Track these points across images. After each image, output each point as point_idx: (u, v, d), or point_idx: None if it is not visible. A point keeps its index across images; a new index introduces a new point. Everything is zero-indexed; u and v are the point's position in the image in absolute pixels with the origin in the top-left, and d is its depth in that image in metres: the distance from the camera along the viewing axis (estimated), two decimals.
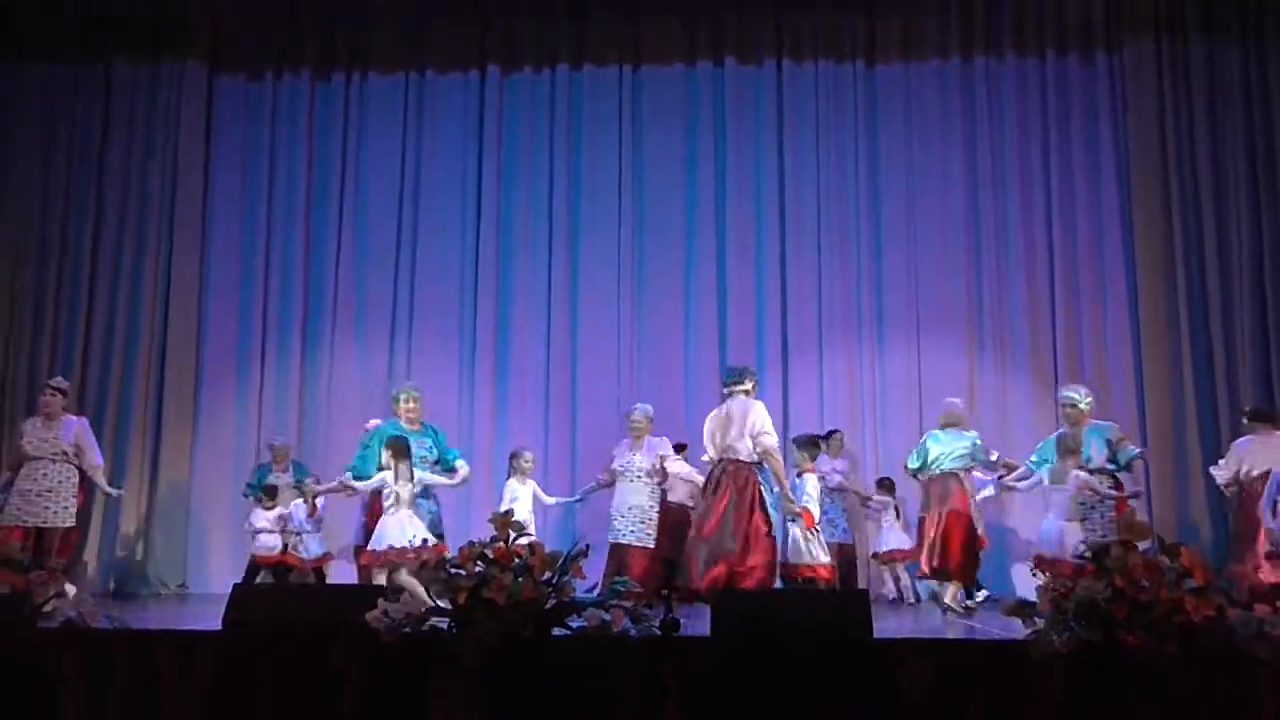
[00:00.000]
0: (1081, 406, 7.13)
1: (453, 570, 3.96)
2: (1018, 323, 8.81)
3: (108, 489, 7.54)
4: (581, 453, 8.73)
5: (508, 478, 7.65)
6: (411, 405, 7.43)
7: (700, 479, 6.83)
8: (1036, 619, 3.81)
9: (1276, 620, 3.63)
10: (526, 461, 7.65)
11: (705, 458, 6.65)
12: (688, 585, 6.12)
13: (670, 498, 7.53)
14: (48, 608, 4.24)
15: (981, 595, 7.44)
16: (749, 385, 6.59)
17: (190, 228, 9.18)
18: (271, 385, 9.10)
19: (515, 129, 9.33)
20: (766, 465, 6.39)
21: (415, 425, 7.39)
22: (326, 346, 9.15)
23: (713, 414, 6.63)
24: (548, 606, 3.90)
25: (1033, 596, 3.92)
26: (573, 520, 8.32)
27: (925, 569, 7.27)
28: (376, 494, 6.79)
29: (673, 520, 7.37)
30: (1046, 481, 6.84)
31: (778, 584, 6.40)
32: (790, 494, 6.64)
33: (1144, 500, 7.77)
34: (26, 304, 8.97)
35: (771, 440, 6.40)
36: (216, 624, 4.20)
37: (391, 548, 6.49)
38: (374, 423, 7.72)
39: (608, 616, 3.93)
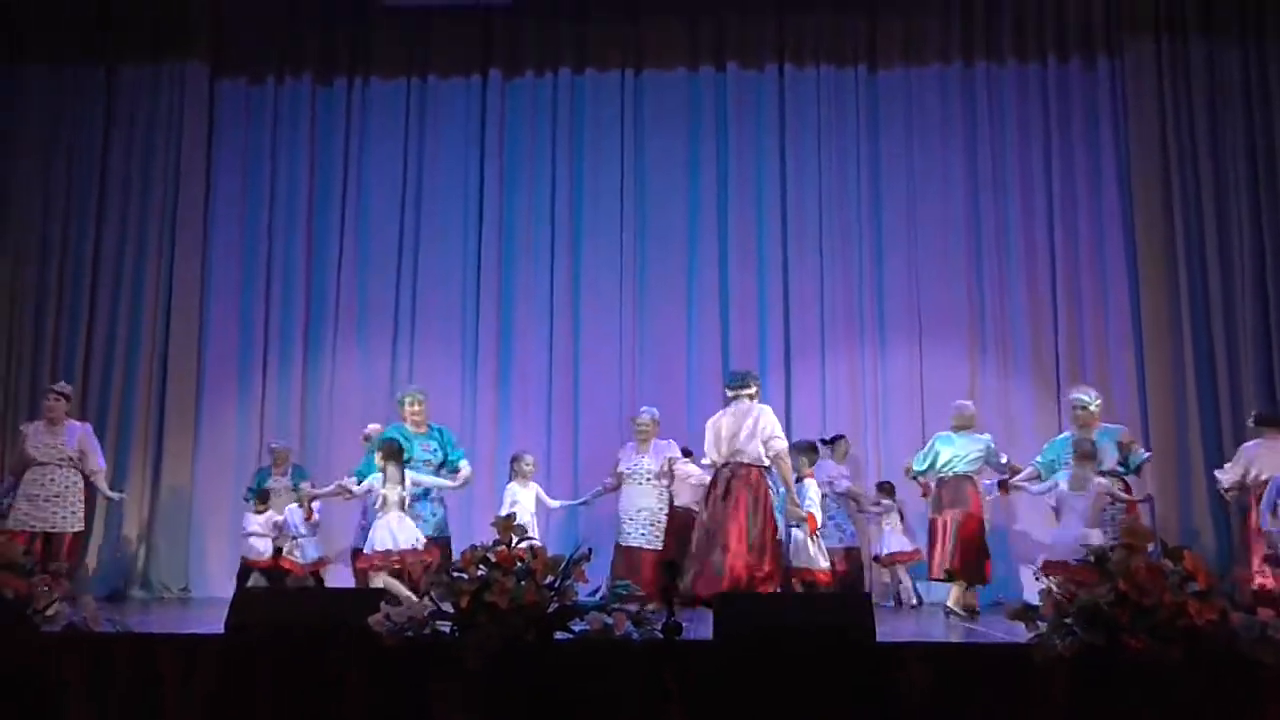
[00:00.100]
0: (1092, 409, 7.11)
1: (455, 574, 3.96)
2: (1019, 326, 8.79)
3: (109, 493, 7.56)
4: (584, 457, 8.71)
5: (509, 481, 7.66)
6: (417, 408, 7.44)
7: (708, 480, 6.83)
8: (1039, 623, 3.81)
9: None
10: (527, 465, 7.65)
11: (706, 461, 6.66)
12: (691, 589, 6.12)
13: (676, 501, 7.53)
14: (50, 611, 4.24)
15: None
16: (753, 389, 6.61)
17: (192, 231, 9.16)
18: (273, 390, 9.07)
19: (517, 133, 9.32)
20: (775, 469, 6.41)
21: (422, 428, 7.40)
22: (328, 351, 9.13)
23: (715, 418, 6.63)
24: (550, 610, 3.91)
25: (1035, 600, 3.92)
26: (575, 524, 8.30)
27: (938, 573, 7.21)
28: None
29: (678, 523, 7.37)
30: (1065, 488, 6.74)
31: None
32: (796, 498, 6.65)
33: (1146, 503, 7.74)
34: (27, 307, 8.95)
35: (783, 444, 6.47)
36: (218, 628, 4.21)
37: (376, 551, 6.52)
38: (373, 427, 7.72)
39: (610, 620, 3.93)
